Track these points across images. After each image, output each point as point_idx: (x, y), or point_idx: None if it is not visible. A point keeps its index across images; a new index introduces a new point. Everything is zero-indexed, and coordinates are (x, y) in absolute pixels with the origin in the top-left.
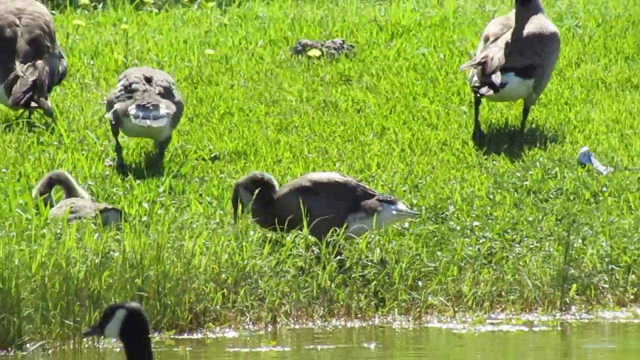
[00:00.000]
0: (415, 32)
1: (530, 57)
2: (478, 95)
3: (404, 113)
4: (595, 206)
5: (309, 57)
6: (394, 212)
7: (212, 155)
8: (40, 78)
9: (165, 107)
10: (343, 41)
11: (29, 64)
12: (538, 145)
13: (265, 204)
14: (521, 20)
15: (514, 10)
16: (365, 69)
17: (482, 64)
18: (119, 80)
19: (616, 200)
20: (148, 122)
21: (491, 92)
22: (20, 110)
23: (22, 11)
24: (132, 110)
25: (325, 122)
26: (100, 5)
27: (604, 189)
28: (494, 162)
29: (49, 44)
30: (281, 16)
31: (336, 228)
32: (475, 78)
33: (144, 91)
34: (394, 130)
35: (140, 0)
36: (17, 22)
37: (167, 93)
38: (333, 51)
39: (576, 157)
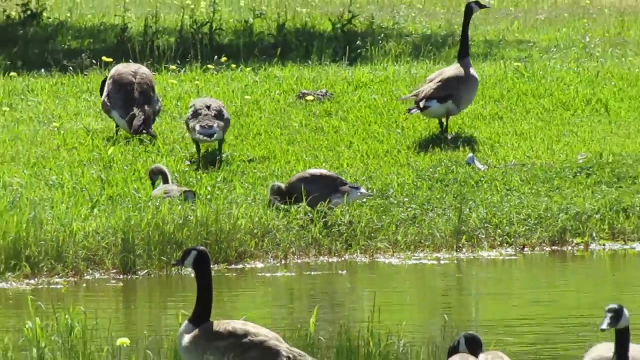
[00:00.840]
0: (370, 85)
1: (448, 91)
2: (409, 113)
3: (363, 134)
4: (477, 189)
5: (307, 101)
6: (359, 193)
7: (249, 159)
8: (148, 116)
9: (217, 125)
10: (327, 91)
11: (141, 108)
12: (443, 152)
13: (281, 192)
14: (453, 69)
15: (455, 64)
16: (340, 107)
17: (416, 95)
18: (190, 107)
19: (489, 185)
20: (206, 137)
21: (418, 111)
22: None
23: (136, 73)
24: (198, 127)
25: (316, 140)
26: (182, 70)
27: (482, 179)
28: (417, 162)
29: (152, 94)
30: (290, 76)
31: (322, 203)
32: (412, 106)
33: (205, 115)
34: (357, 144)
35: (206, 66)
36: (134, 80)
37: (219, 114)
38: (321, 97)
39: (465, 159)
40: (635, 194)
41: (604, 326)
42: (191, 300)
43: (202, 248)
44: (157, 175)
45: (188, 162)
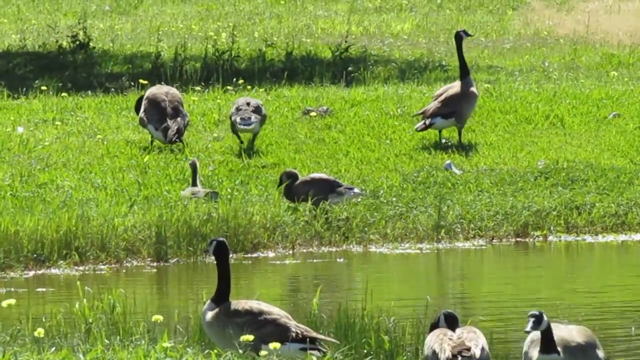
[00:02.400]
0: (363, 103)
1: (451, 108)
2: (417, 131)
3: (357, 144)
4: (454, 190)
5: (311, 116)
6: (352, 193)
7: (262, 165)
8: (179, 127)
9: (254, 117)
10: (327, 108)
11: (173, 120)
12: (425, 159)
13: (289, 190)
14: (455, 87)
15: (457, 81)
16: (338, 122)
17: (423, 112)
18: (233, 104)
19: (464, 187)
20: (245, 126)
21: (423, 129)
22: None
23: (167, 93)
24: (238, 119)
25: (318, 149)
26: (206, 90)
27: (458, 181)
28: (403, 167)
29: (181, 109)
30: (296, 95)
31: (324, 201)
32: (420, 122)
33: (245, 110)
34: (353, 153)
35: (226, 87)
36: (165, 98)
37: (257, 110)
38: (323, 113)
39: (443, 165)
40: (586, 194)
41: (527, 329)
42: (214, 283)
43: (221, 239)
44: (193, 168)
45: (211, 168)
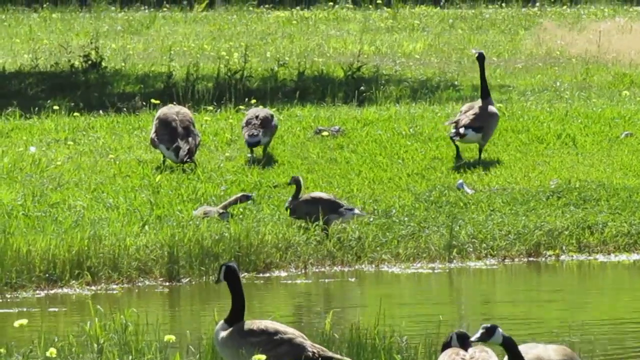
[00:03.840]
0: (375, 122)
1: (480, 122)
2: (452, 139)
3: (369, 164)
4: (466, 210)
5: (323, 136)
6: (352, 213)
7: (274, 184)
8: (190, 147)
9: (261, 132)
10: (339, 127)
11: (184, 140)
12: (437, 178)
13: (294, 207)
14: (481, 105)
15: (478, 100)
16: (350, 141)
17: (456, 122)
18: (245, 115)
19: (476, 206)
20: (251, 145)
21: (458, 137)
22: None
23: (178, 113)
24: (246, 136)
25: (330, 168)
26: (218, 110)
27: (470, 201)
28: (415, 187)
29: (192, 129)
30: (308, 115)
31: (323, 219)
32: (453, 130)
33: (253, 124)
34: (365, 172)
35: (238, 107)
36: (176, 118)
37: (266, 122)
38: (335, 132)
39: (456, 185)
40: (598, 214)
41: (473, 338)
42: (226, 303)
43: (230, 263)
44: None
45: (224, 188)
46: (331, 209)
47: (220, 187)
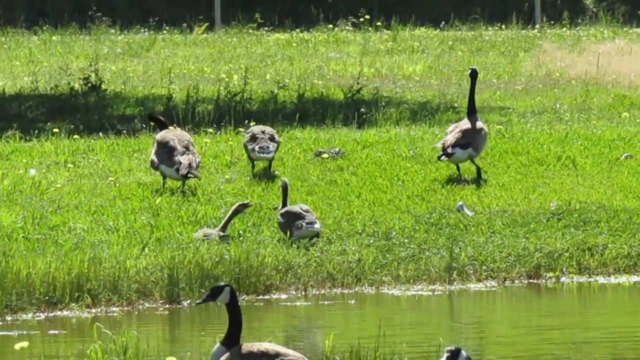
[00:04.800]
0: (375, 145)
1: (467, 139)
2: (440, 160)
3: (369, 186)
4: (466, 232)
5: (323, 158)
6: (308, 228)
7: (274, 206)
8: (190, 163)
9: (272, 146)
10: (339, 149)
11: (184, 156)
12: (437, 200)
13: (285, 186)
14: (466, 122)
15: (464, 119)
16: (350, 163)
17: (443, 144)
18: (248, 133)
19: (476, 228)
20: (264, 155)
21: (446, 158)
22: (180, 183)
23: (177, 135)
24: (257, 148)
25: (330, 191)
26: (218, 132)
27: (470, 223)
28: (415, 209)
29: (191, 148)
30: (308, 137)
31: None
32: (441, 152)
33: (261, 138)
34: (365, 194)
35: (238, 129)
36: (175, 138)
37: (272, 137)
38: (334, 155)
39: (456, 207)
40: (598, 235)
41: None
42: (226, 325)
43: (225, 285)
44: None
45: (223, 210)
46: (293, 222)
47: (220, 210)
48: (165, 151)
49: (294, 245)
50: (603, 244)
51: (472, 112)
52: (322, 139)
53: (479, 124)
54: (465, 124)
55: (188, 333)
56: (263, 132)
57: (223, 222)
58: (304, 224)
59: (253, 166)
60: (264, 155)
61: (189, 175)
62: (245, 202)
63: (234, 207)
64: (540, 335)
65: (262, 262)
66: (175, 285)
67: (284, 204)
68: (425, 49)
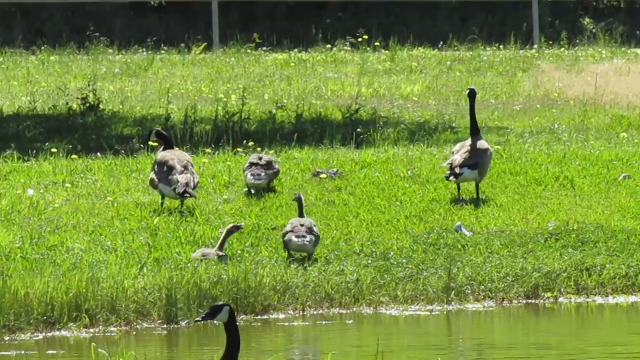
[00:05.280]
0: (374, 165)
1: (475, 160)
2: (448, 180)
3: (368, 206)
4: (464, 252)
5: (321, 178)
6: (295, 242)
7: (272, 227)
8: (188, 182)
9: (264, 174)
10: (338, 170)
11: (182, 176)
12: (435, 221)
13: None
14: (472, 143)
15: (468, 138)
16: (349, 184)
17: (450, 164)
18: (248, 160)
19: (474, 249)
20: (254, 182)
21: (455, 178)
22: (178, 203)
23: (177, 155)
24: (249, 176)
25: (329, 211)
26: (216, 153)
27: (468, 243)
28: (413, 229)
29: (191, 168)
30: (306, 157)
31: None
32: (448, 172)
33: (257, 165)
34: (363, 215)
35: (236, 150)
36: (174, 157)
37: (268, 165)
38: (332, 175)
39: (454, 227)
40: (596, 256)
41: None
42: (224, 345)
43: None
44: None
45: (222, 231)
46: (285, 234)
47: (218, 230)
48: (165, 170)
49: (292, 266)
50: (601, 264)
51: (475, 132)
52: (320, 159)
53: (484, 144)
54: (471, 143)
55: (186, 353)
56: (260, 159)
57: (219, 242)
58: (293, 237)
59: (249, 191)
60: (255, 182)
61: (186, 194)
62: (238, 224)
63: (227, 228)
64: (539, 355)
65: (261, 282)
66: (173, 305)
67: (301, 217)
68: (423, 70)
